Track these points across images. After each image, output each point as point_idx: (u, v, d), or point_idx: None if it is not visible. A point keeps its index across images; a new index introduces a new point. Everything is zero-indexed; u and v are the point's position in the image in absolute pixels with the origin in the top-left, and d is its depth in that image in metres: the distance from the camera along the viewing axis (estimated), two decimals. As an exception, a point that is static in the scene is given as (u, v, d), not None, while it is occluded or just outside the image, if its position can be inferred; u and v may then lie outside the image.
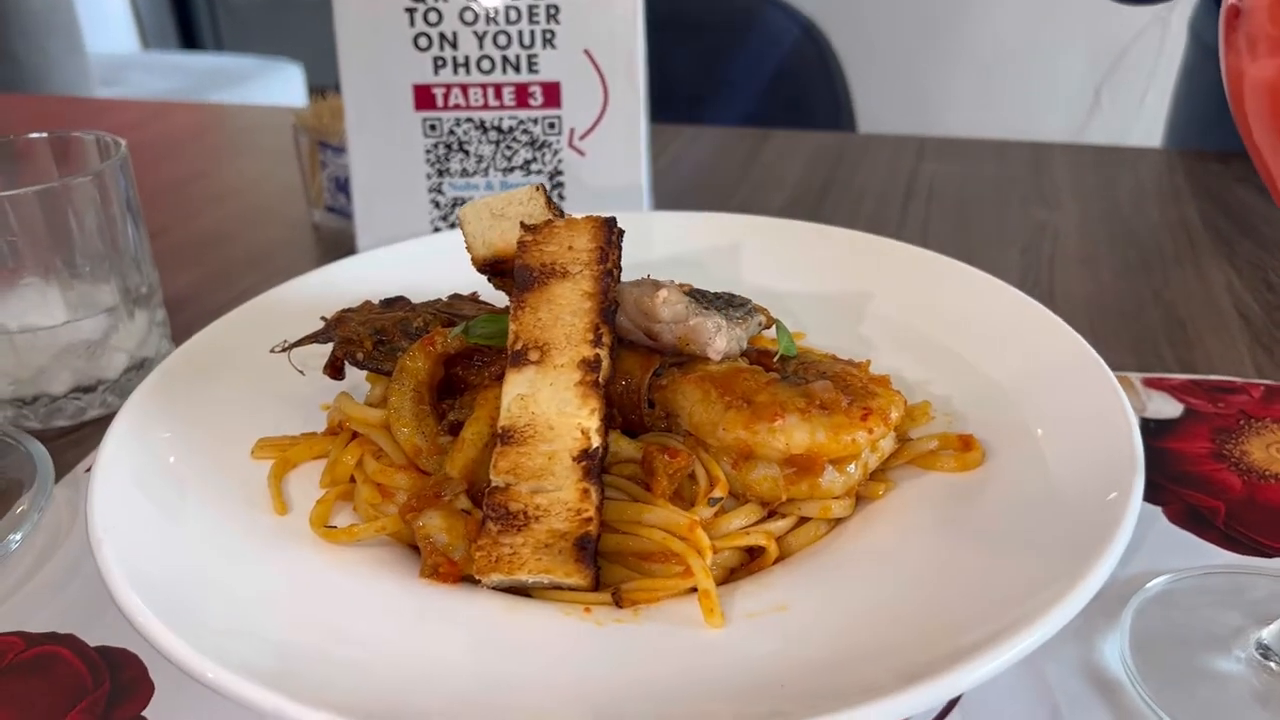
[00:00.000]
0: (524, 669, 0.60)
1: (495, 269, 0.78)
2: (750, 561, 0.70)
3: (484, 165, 1.24)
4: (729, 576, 0.69)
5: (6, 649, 0.75)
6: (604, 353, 0.67)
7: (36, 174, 1.08)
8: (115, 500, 0.69)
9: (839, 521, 0.72)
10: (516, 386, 0.67)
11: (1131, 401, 1.00)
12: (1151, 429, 0.97)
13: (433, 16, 1.20)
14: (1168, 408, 1.00)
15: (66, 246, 1.02)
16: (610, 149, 1.23)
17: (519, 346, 0.68)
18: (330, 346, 0.82)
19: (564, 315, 0.67)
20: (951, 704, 0.67)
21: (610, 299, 0.68)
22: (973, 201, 1.49)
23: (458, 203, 1.25)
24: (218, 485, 0.74)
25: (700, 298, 0.74)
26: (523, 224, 0.69)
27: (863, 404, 0.71)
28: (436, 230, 1.26)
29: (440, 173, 1.25)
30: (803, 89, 2.11)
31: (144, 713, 0.68)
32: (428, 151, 1.24)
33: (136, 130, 1.96)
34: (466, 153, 1.24)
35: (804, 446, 0.69)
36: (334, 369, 0.80)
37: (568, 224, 0.69)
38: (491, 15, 1.20)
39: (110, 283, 1.05)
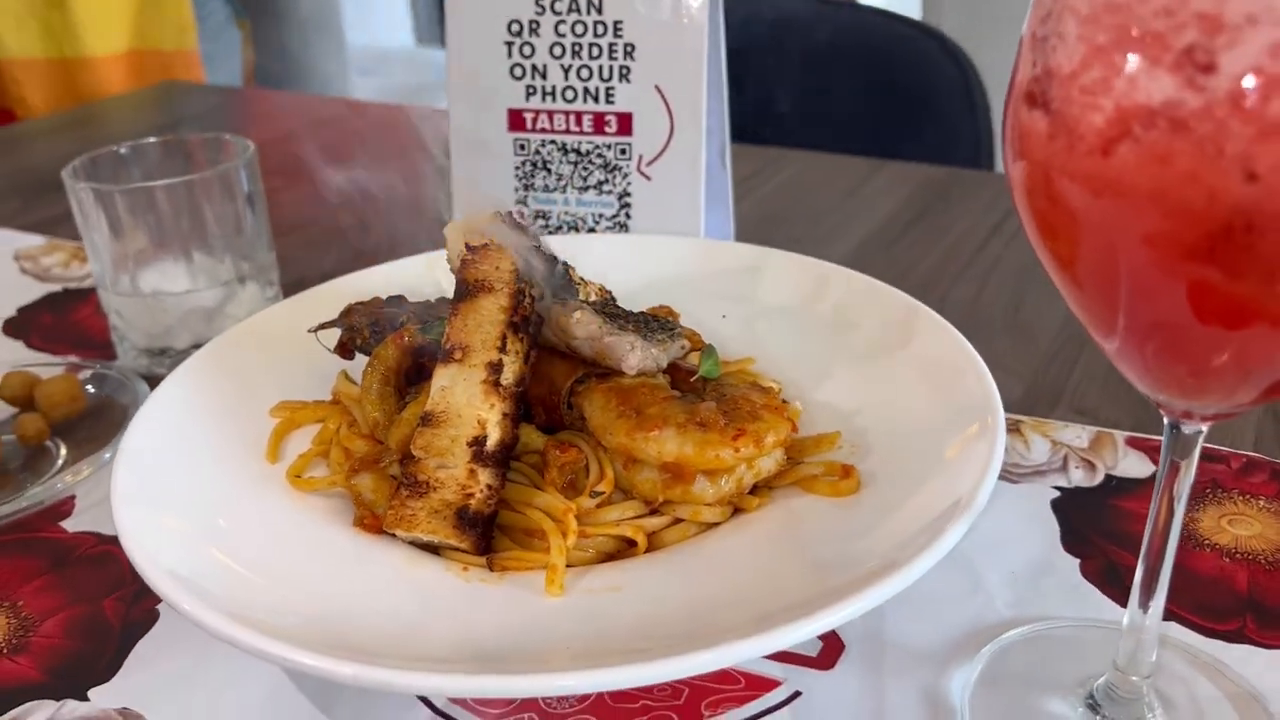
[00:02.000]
0: (402, 605, 0.74)
1: (469, 280, 0.92)
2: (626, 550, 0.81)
3: (563, 183, 1.39)
4: (600, 561, 0.81)
5: (82, 543, 0.97)
6: (509, 359, 0.80)
7: (188, 169, 1.31)
8: (143, 431, 0.88)
9: (711, 526, 0.82)
10: (441, 379, 0.81)
11: (1106, 458, 1.04)
12: (1112, 486, 1.00)
13: (526, 50, 1.36)
14: (1138, 467, 1.02)
15: (197, 228, 1.25)
16: (673, 175, 1.35)
17: (448, 345, 0.82)
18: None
19: (483, 324, 0.81)
20: (788, 700, 0.76)
21: (521, 314, 0.81)
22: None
23: (539, 214, 1.41)
24: (235, 434, 0.93)
25: (618, 318, 0.86)
26: (466, 244, 0.83)
27: (738, 425, 0.80)
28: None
29: (527, 187, 1.41)
30: (945, 120, 2.14)
31: (158, 606, 0.87)
32: (517, 168, 1.40)
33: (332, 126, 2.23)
34: (549, 171, 1.39)
35: (673, 456, 0.79)
36: (343, 350, 0.97)
37: (499, 249, 0.82)
38: (576, 50, 1.35)
39: (228, 260, 1.27)
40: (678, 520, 0.82)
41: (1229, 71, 0.46)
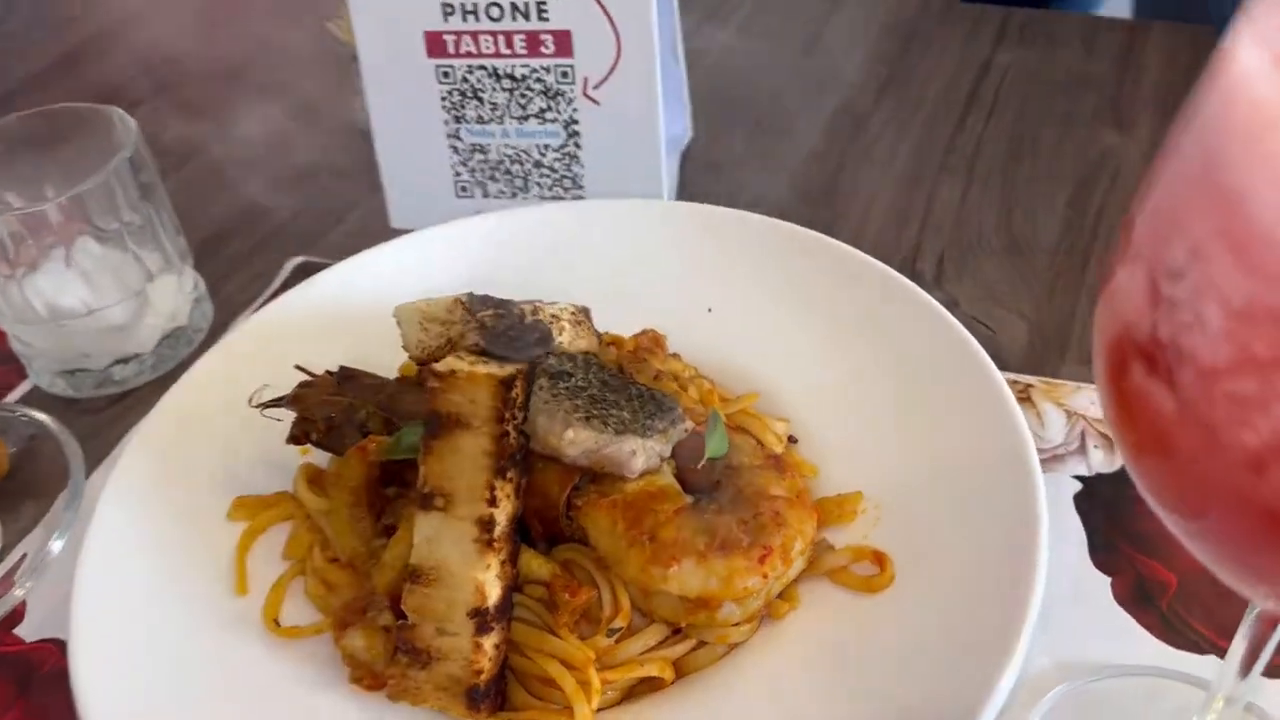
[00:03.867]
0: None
1: (430, 363, 0.80)
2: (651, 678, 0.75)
3: (499, 113, 1.22)
4: (626, 695, 0.75)
5: (45, 658, 0.89)
6: (500, 510, 0.70)
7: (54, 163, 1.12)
8: (91, 576, 0.79)
9: (738, 643, 0.76)
10: (425, 528, 0.71)
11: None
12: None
13: (437, -37, 1.15)
14: (1159, 441, 0.97)
15: (86, 230, 1.08)
16: (625, 98, 1.18)
17: (427, 490, 0.72)
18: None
19: (465, 469, 0.70)
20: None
21: (508, 455, 0.71)
22: (1034, 115, 1.37)
23: (475, 149, 1.24)
24: (194, 557, 0.83)
25: (609, 406, 0.76)
26: (431, 370, 0.71)
27: (763, 543, 0.73)
28: (457, 175, 1.26)
29: (457, 119, 1.23)
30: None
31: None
32: (443, 99, 1.22)
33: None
34: (480, 100, 1.22)
35: (697, 592, 0.72)
36: (297, 441, 0.85)
37: (469, 378, 0.70)
38: (496, -38, 1.14)
39: (135, 264, 1.11)
40: (703, 643, 0.76)
41: None
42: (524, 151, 1.24)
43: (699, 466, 0.79)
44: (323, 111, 1.54)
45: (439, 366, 0.71)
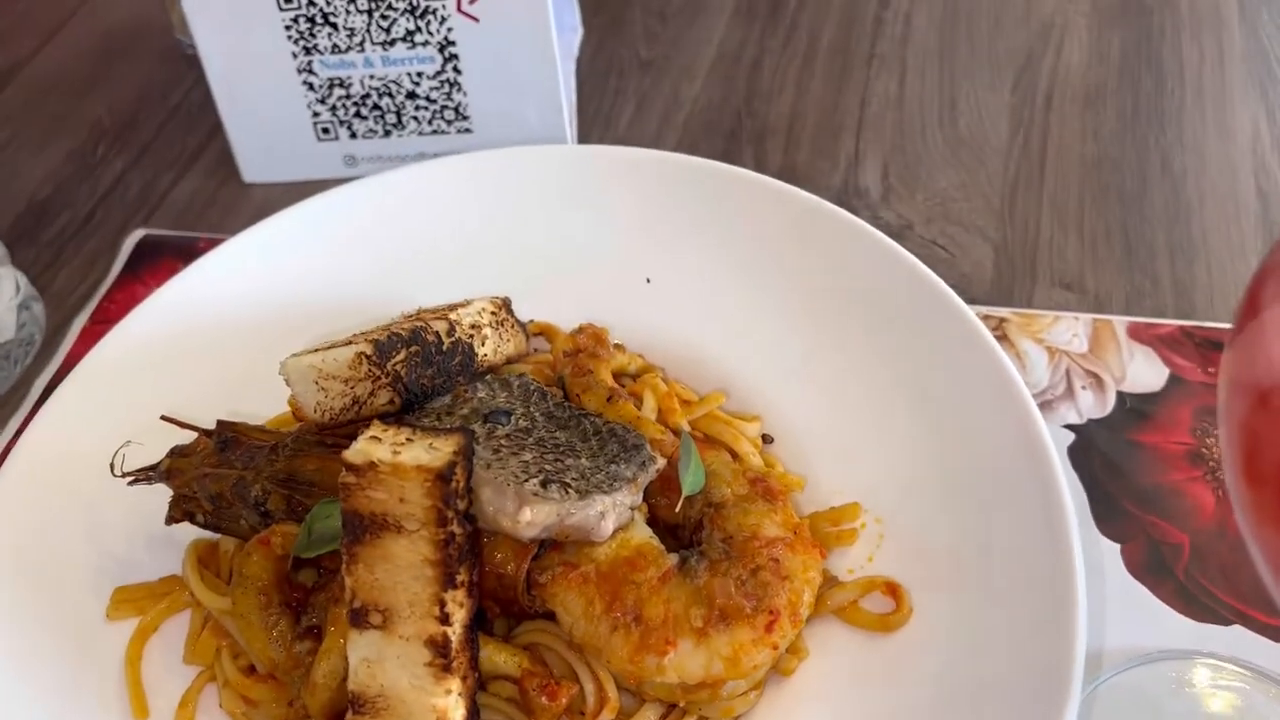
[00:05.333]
0: None
1: (333, 429, 0.65)
2: (648, 762, 0.65)
3: (358, 39, 1.02)
4: (625, 784, 0.65)
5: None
6: (453, 628, 0.57)
7: None
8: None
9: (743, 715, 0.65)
10: (361, 649, 0.58)
11: (1112, 365, 0.89)
12: (1128, 408, 0.86)
13: None
14: (1150, 374, 0.88)
15: None
16: (508, 10, 0.99)
17: (357, 605, 0.58)
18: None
19: (403, 579, 0.57)
20: None
21: (456, 559, 0.57)
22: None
23: (334, 83, 1.04)
24: (69, 679, 0.68)
25: (568, 447, 0.63)
26: (345, 461, 0.57)
27: (769, 605, 0.62)
28: (316, 115, 1.06)
29: (308, 50, 1.02)
30: None
31: None
32: (288, 29, 1.01)
33: None
34: (334, 26, 1.01)
35: (699, 679, 0.61)
36: (175, 521, 0.70)
37: (395, 471, 0.56)
38: None
39: (-67, 285, 0.91)
40: (704, 718, 0.65)
41: None
42: (393, 82, 1.04)
43: (676, 509, 0.67)
44: (144, 33, 1.29)
45: (352, 456, 0.57)
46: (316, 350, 0.65)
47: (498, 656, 0.63)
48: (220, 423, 0.70)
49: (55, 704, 0.67)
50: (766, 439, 0.77)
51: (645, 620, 0.61)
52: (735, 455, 0.73)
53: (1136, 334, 0.90)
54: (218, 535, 0.73)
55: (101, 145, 1.17)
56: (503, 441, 0.64)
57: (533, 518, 0.60)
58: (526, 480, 0.61)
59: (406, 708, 0.58)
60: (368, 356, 0.62)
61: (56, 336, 0.99)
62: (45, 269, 1.05)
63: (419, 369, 0.65)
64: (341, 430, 0.67)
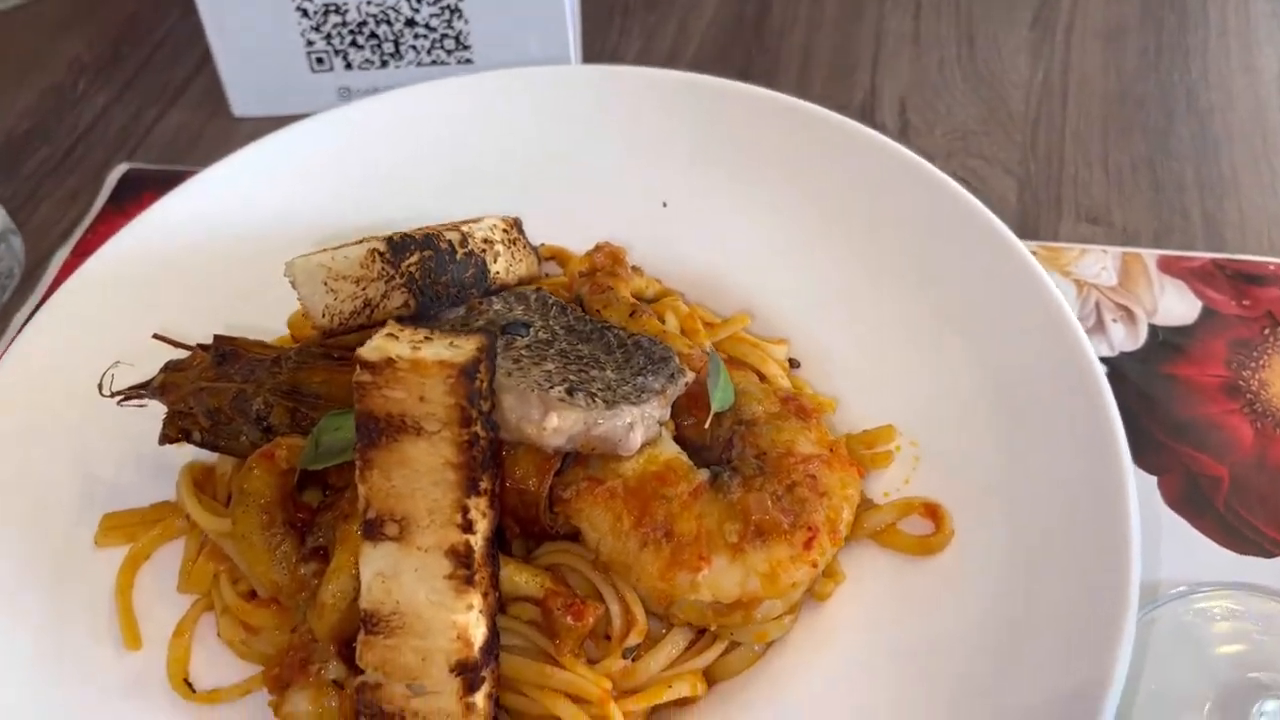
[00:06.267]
0: None
1: (343, 334, 0.61)
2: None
3: (356, -42, 0.97)
4: (651, 715, 0.61)
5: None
6: (476, 536, 0.53)
7: None
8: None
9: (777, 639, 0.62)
10: (374, 563, 0.54)
11: (1143, 298, 0.86)
12: (1160, 341, 0.83)
13: None
14: (1182, 306, 0.85)
15: None
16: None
17: (371, 515, 0.54)
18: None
19: (422, 484, 0.53)
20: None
21: (479, 463, 0.53)
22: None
23: (330, 9, 1.00)
24: (59, 609, 0.64)
25: (592, 359, 0.59)
26: (359, 358, 0.52)
27: (807, 521, 0.58)
28: (310, 44, 1.02)
29: (301, -27, 0.98)
30: None
31: None
32: (281, -52, 0.97)
33: None
34: (330, -53, 0.96)
35: (734, 598, 0.57)
36: (170, 440, 0.65)
37: (415, 368, 0.52)
38: None
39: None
40: (736, 643, 0.61)
41: None
42: (391, 9, 1.00)
43: (705, 425, 0.63)
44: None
45: (368, 353, 0.52)
46: (324, 250, 0.60)
47: (518, 576, 0.59)
48: (218, 337, 0.66)
49: (42, 635, 0.63)
50: (794, 363, 0.73)
51: (677, 536, 0.57)
52: (762, 378, 0.69)
53: (1167, 267, 0.87)
54: (214, 458, 0.69)
55: (82, 81, 1.12)
56: (523, 352, 0.60)
57: (559, 424, 0.56)
58: (551, 388, 0.57)
59: (424, 625, 0.54)
60: (381, 254, 0.58)
61: (37, 271, 0.95)
62: (24, 203, 1.01)
63: (433, 274, 0.61)
64: (351, 340, 0.63)
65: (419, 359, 0.52)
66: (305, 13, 1.00)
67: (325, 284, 0.59)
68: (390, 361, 0.52)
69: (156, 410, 0.68)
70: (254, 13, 1.00)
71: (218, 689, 0.61)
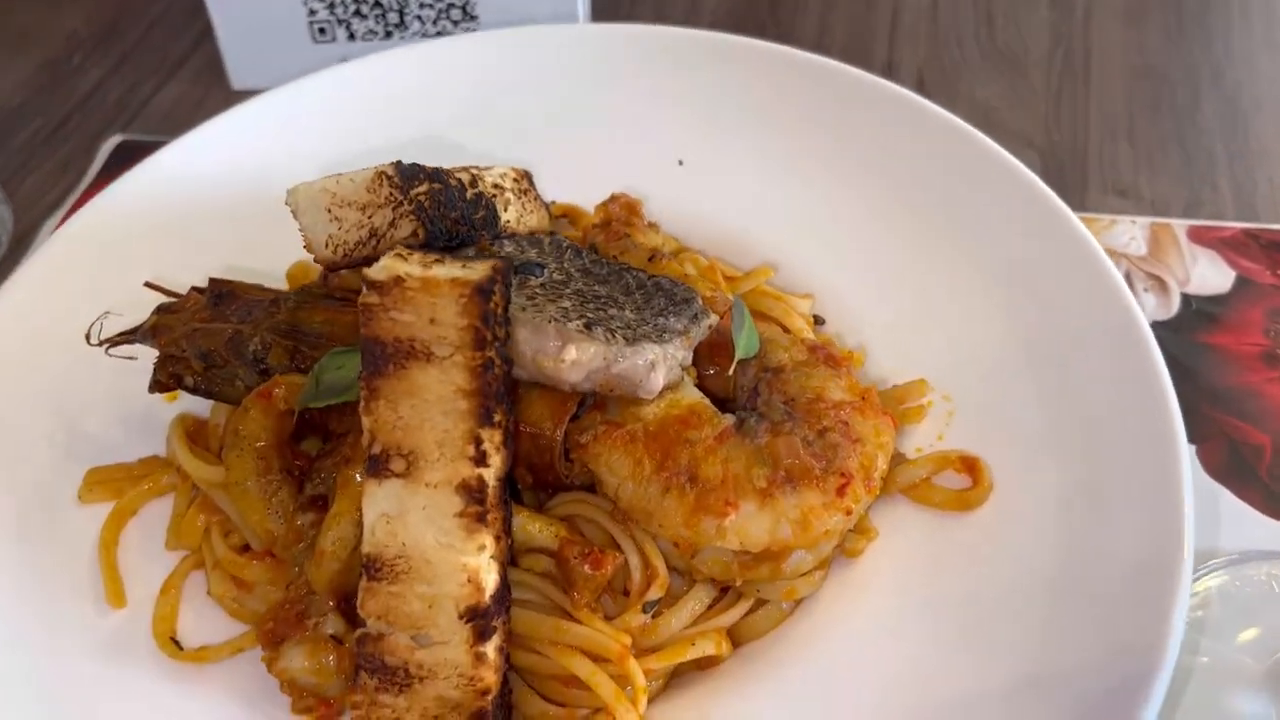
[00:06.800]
0: None
1: (347, 267, 0.57)
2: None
3: (361, -74, 0.95)
4: (671, 679, 0.57)
5: None
6: (489, 470, 0.50)
7: None
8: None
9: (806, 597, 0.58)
10: (379, 503, 0.50)
11: (1175, 268, 0.83)
12: (1194, 310, 0.80)
13: None
14: (1215, 276, 0.82)
15: None
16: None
17: (376, 450, 0.50)
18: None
19: (432, 415, 0.49)
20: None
21: (494, 391, 0.49)
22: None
23: (335, -21, 0.97)
24: (37, 564, 0.60)
25: (609, 299, 0.55)
26: (366, 278, 0.49)
27: (840, 466, 0.54)
28: (312, 14, 0.99)
29: (305, -61, 0.95)
30: None
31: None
32: (284, -88, 0.94)
33: None
34: (336, -89, 0.94)
35: (763, 545, 0.53)
36: (160, 387, 0.62)
37: (426, 286, 0.48)
38: None
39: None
40: (763, 601, 0.57)
41: None
42: (397, -26, 0.97)
43: (729, 373, 0.60)
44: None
45: (375, 272, 0.49)
46: (328, 176, 0.57)
47: (531, 525, 0.55)
48: (213, 279, 0.62)
49: (20, 590, 0.58)
50: (818, 320, 0.70)
51: (702, 480, 0.54)
52: (786, 332, 0.66)
53: (1198, 237, 0.84)
54: (206, 415, 0.65)
55: (78, 54, 1.09)
56: (537, 290, 0.57)
57: (578, 356, 0.52)
58: (568, 322, 0.54)
59: (431, 569, 0.50)
60: (389, 177, 0.55)
61: (26, 240, 0.91)
62: (14, 174, 0.97)
63: (443, 207, 0.57)
64: (353, 283, 0.59)
65: (430, 277, 0.48)
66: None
67: (329, 211, 0.55)
68: (399, 280, 0.48)
69: (145, 365, 0.64)
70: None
71: (206, 646, 0.57)
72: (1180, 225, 0.85)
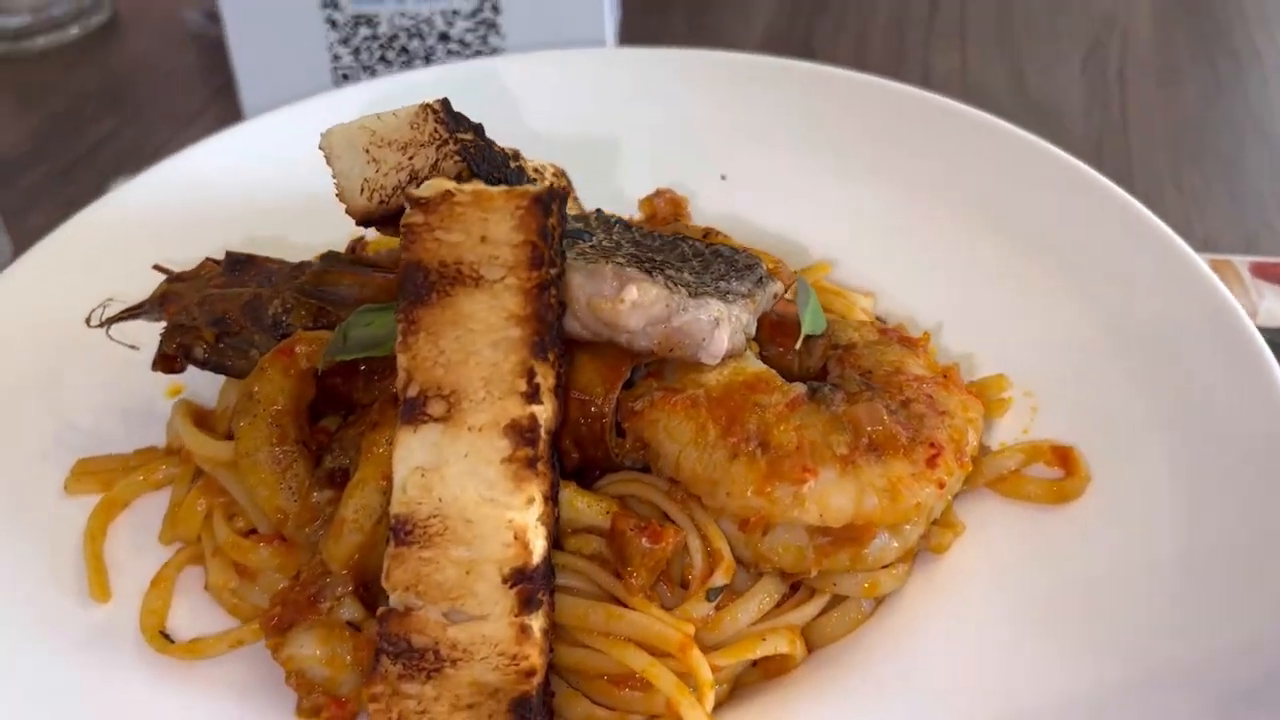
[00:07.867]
0: None
1: (383, 220, 0.52)
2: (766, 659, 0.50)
3: (392, -31, 0.94)
4: (737, 685, 0.49)
5: None
6: (542, 410, 0.43)
7: None
8: None
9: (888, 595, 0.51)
10: (413, 454, 0.44)
11: (1239, 301, 0.78)
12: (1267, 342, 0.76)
13: None
14: (1284, 308, 0.78)
15: None
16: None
17: (414, 392, 0.44)
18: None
19: (479, 347, 0.43)
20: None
21: (549, 322, 0.44)
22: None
23: (360, 21, 0.96)
24: (16, 557, 0.52)
25: (665, 263, 0.50)
26: (409, 195, 0.44)
27: (928, 436, 0.48)
28: (336, 59, 0.97)
29: (334, -19, 0.94)
30: None
31: None
32: (314, -46, 0.93)
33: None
34: (367, -46, 0.93)
35: (849, 517, 0.47)
36: (166, 363, 0.56)
37: (478, 200, 0.43)
38: None
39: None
40: (839, 598, 0.50)
41: None
42: (425, 22, 0.96)
43: (796, 349, 0.54)
44: (147, 8, 1.21)
45: (422, 190, 0.44)
46: (367, 115, 0.52)
47: (579, 501, 0.48)
48: (230, 251, 0.57)
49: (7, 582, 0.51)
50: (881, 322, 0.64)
51: (774, 446, 0.47)
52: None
53: (1262, 272, 0.80)
54: (210, 408, 0.59)
55: (90, 106, 1.07)
56: (588, 249, 0.52)
57: (639, 297, 0.47)
58: (629, 267, 0.48)
59: (471, 529, 0.43)
60: (434, 112, 0.50)
61: (23, 270, 0.86)
62: (19, 211, 0.93)
63: (487, 162, 0.53)
64: (381, 257, 0.54)
65: (483, 190, 0.43)
66: (334, 24, 0.96)
67: (367, 151, 0.51)
68: (448, 195, 0.43)
69: (145, 356, 0.58)
70: (281, 21, 0.95)
71: (200, 639, 0.49)
72: (1241, 261, 0.81)
